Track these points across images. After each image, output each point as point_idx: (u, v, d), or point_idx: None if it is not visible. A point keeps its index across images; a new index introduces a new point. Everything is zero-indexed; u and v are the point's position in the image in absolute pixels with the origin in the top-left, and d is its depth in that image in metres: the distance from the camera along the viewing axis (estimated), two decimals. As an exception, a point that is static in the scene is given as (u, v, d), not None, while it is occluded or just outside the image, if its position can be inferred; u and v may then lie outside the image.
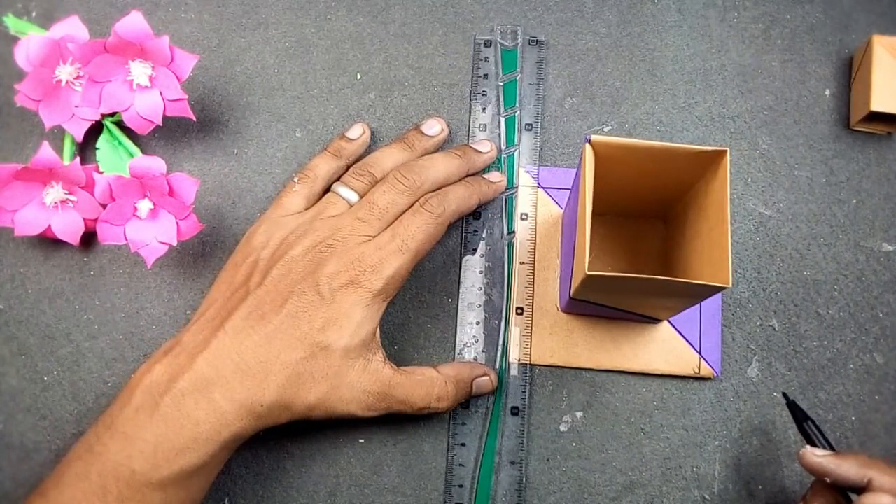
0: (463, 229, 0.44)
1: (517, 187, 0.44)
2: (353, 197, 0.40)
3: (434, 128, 0.44)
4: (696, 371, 0.42)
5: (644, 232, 0.43)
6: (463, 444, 0.41)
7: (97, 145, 0.43)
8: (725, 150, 0.33)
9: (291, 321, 0.36)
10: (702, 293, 0.33)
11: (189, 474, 0.34)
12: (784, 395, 0.40)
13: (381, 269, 0.36)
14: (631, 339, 0.42)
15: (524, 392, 0.42)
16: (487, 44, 0.46)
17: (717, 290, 0.31)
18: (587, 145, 0.33)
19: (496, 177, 0.43)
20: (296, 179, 0.41)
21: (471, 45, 0.47)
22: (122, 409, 0.35)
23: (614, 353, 0.42)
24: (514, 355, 0.42)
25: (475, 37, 0.47)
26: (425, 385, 0.39)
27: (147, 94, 0.40)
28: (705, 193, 0.35)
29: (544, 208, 0.44)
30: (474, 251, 0.44)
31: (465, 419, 0.42)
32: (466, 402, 0.42)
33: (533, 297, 0.43)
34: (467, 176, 0.43)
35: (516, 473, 0.41)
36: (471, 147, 0.43)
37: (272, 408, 0.35)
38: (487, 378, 0.41)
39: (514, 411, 0.42)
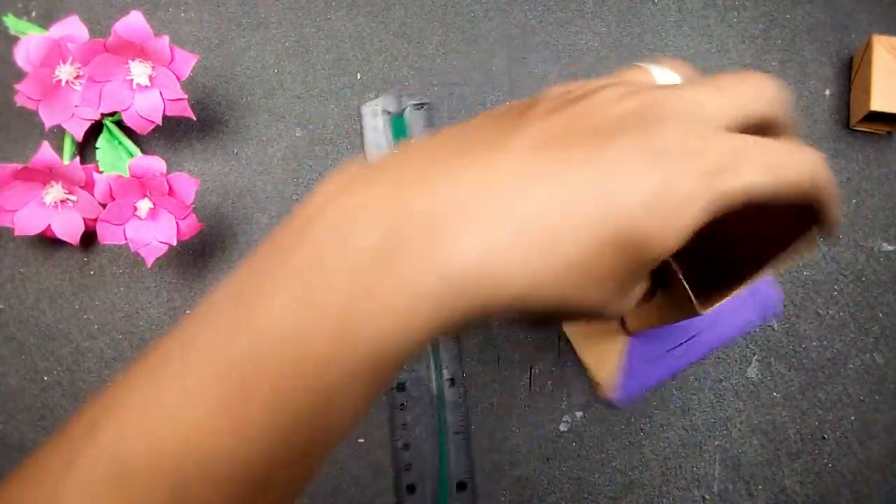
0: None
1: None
2: (673, 76, 0.28)
3: None
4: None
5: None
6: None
7: (97, 145, 0.43)
8: None
9: (602, 176, 0.21)
10: None
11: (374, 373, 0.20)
12: None
13: (733, 174, 0.21)
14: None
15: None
16: (487, 44, 0.46)
17: None
18: None
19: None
20: None
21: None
22: (283, 253, 0.21)
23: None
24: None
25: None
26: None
27: (147, 93, 0.40)
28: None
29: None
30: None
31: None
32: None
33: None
34: None
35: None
36: None
37: (512, 305, 0.20)
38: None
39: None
